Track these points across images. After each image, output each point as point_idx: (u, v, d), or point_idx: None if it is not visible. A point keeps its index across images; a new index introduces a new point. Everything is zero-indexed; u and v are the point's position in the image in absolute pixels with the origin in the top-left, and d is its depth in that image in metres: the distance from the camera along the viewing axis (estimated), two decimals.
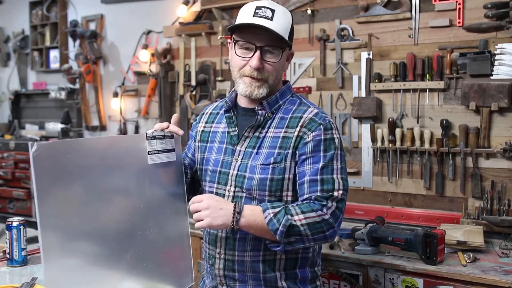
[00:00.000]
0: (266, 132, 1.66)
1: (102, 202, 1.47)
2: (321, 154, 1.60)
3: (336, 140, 1.64)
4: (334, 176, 1.59)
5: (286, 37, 1.61)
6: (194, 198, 1.55)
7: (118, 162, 1.52)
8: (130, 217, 1.55)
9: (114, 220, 1.50)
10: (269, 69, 1.62)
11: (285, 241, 1.53)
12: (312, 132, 1.61)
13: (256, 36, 1.59)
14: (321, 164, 1.59)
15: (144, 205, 1.58)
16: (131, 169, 1.57)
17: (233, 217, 1.52)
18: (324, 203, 1.55)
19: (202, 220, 1.51)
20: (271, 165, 1.61)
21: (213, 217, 1.51)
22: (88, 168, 1.44)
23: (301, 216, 1.52)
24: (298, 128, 1.63)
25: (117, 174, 1.52)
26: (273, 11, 1.60)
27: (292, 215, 1.52)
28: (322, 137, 1.61)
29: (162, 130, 1.65)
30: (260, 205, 1.57)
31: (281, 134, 1.64)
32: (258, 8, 1.60)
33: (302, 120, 1.64)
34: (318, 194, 1.56)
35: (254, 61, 1.59)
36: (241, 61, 1.63)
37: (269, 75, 1.63)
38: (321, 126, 1.62)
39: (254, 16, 1.59)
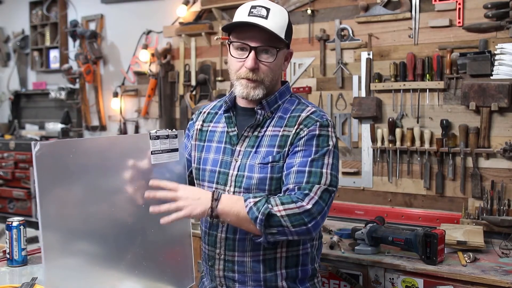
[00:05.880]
0: (265, 131, 1.66)
1: (104, 202, 1.47)
2: (313, 149, 1.59)
3: (332, 138, 1.63)
4: (324, 170, 1.56)
5: (282, 36, 1.60)
6: (167, 185, 1.52)
7: (120, 162, 1.52)
8: (132, 217, 1.54)
9: (115, 220, 1.49)
10: (265, 70, 1.61)
11: (266, 232, 1.49)
12: (307, 128, 1.61)
13: (251, 36, 1.58)
14: (311, 157, 1.57)
15: (146, 205, 1.57)
16: (134, 169, 1.56)
17: (211, 203, 1.50)
18: (307, 192, 1.51)
19: (181, 210, 1.49)
20: (269, 164, 1.61)
21: (192, 207, 1.49)
22: (91, 168, 1.44)
23: (281, 207, 1.48)
24: (296, 126, 1.63)
25: (119, 174, 1.52)
26: (268, 9, 1.58)
27: (272, 206, 1.49)
28: (317, 132, 1.60)
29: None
30: (242, 196, 1.56)
31: (280, 133, 1.64)
32: (253, 7, 1.59)
33: (300, 119, 1.64)
34: (303, 185, 1.53)
35: (249, 61, 1.59)
36: (237, 62, 1.63)
37: (265, 76, 1.62)
38: (318, 122, 1.61)
39: (249, 15, 1.59)
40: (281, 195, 1.55)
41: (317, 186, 1.53)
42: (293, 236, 1.52)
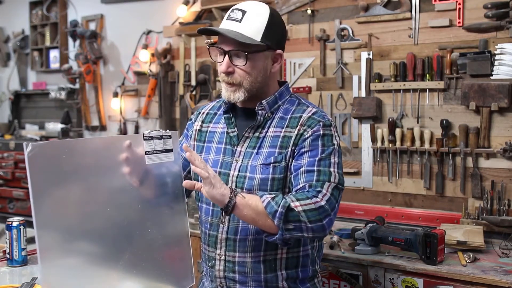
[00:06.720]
0: (266, 132, 1.67)
1: (98, 202, 1.47)
2: (320, 148, 1.60)
3: (335, 137, 1.65)
4: (331, 169, 1.59)
5: (258, 38, 1.58)
6: (199, 164, 1.48)
7: (114, 162, 1.52)
8: (128, 217, 1.54)
9: (111, 220, 1.49)
10: (241, 73, 1.62)
11: (284, 228, 1.48)
12: (311, 129, 1.62)
13: (225, 40, 1.60)
14: (318, 157, 1.59)
15: (142, 205, 1.57)
16: (129, 169, 1.56)
17: (231, 192, 1.50)
18: (319, 189, 1.53)
19: (206, 185, 1.48)
20: (271, 164, 1.62)
21: (217, 186, 1.48)
22: (84, 169, 1.44)
23: (297, 203, 1.49)
24: (298, 127, 1.63)
25: (114, 174, 1.51)
26: (244, 12, 1.58)
27: (289, 201, 1.50)
28: (321, 132, 1.61)
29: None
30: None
31: (281, 134, 1.64)
32: (232, 10, 1.61)
33: (301, 120, 1.64)
34: (314, 182, 1.55)
35: (222, 66, 1.62)
36: (218, 66, 1.66)
37: (242, 79, 1.62)
38: (321, 123, 1.63)
39: (227, 19, 1.61)
40: (293, 193, 1.56)
41: (327, 183, 1.55)
42: (309, 233, 1.51)
